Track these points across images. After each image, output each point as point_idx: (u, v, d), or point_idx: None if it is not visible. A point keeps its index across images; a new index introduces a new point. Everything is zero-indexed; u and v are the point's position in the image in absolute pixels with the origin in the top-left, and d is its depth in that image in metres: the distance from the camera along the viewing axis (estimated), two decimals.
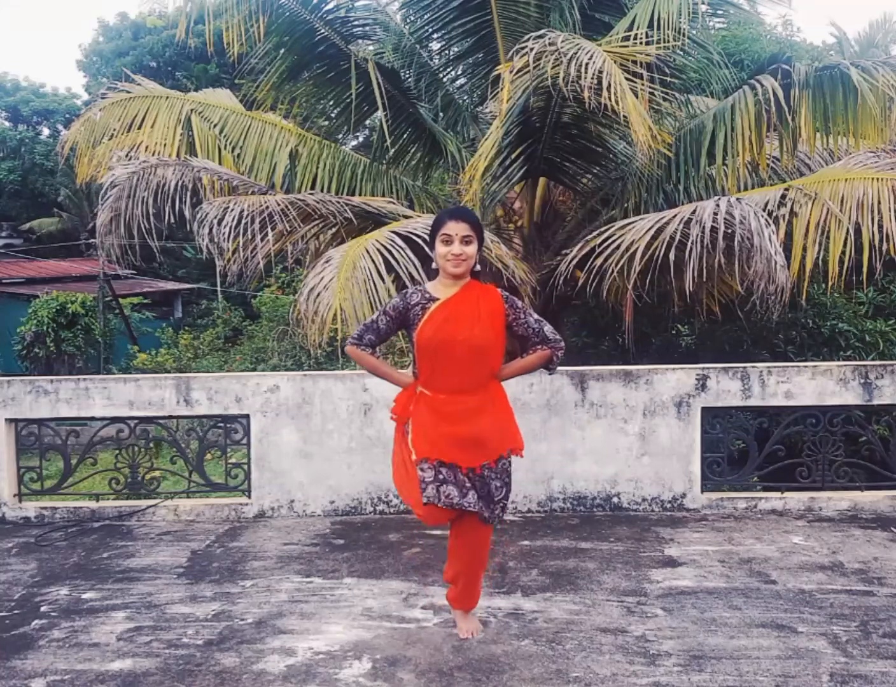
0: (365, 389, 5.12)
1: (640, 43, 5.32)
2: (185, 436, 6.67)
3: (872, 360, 7.14)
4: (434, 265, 3.18)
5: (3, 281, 19.40)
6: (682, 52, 6.20)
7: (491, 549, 4.40)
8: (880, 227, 5.27)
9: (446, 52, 7.39)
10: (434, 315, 3.07)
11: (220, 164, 6.83)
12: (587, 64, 4.88)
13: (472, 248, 3.07)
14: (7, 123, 28.63)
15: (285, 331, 13.09)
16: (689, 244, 5.11)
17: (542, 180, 6.85)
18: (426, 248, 5.17)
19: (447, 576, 3.38)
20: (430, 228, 3.21)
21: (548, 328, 3.21)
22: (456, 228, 3.04)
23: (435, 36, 7.28)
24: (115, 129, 6.85)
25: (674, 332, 7.93)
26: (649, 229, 5.29)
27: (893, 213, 5.24)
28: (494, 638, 3.34)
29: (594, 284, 5.59)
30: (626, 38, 5.44)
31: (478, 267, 3.17)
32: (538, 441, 5.10)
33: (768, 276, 5.11)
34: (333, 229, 6.40)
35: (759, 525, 4.82)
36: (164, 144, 6.68)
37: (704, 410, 5.11)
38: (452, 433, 3.09)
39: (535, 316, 3.22)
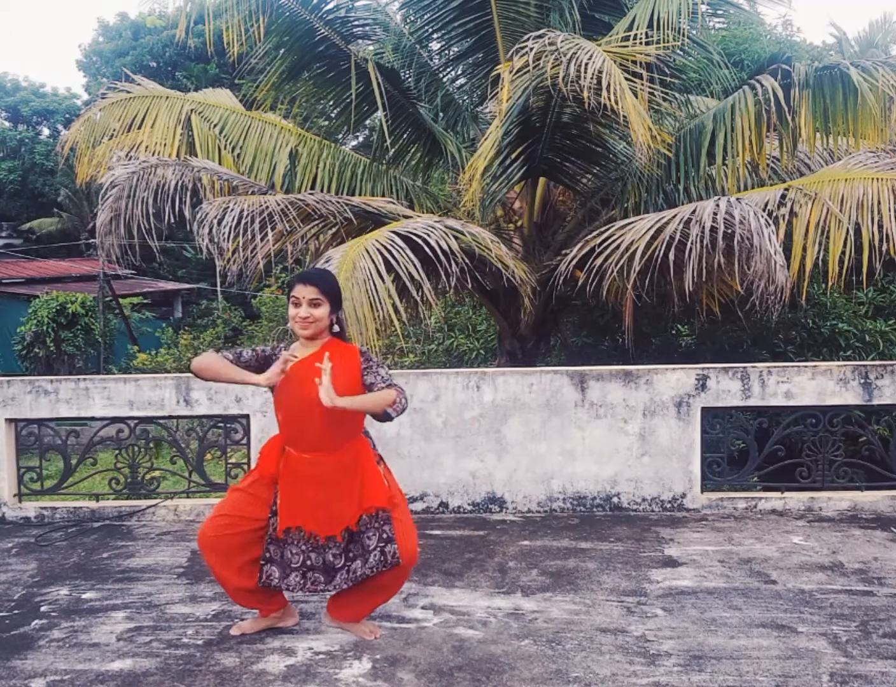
0: None
1: (640, 43, 5.32)
2: (185, 436, 6.67)
3: (872, 360, 7.14)
4: (288, 325, 3.22)
5: (3, 281, 19.40)
6: (681, 52, 6.20)
7: (491, 549, 4.44)
8: (880, 227, 5.27)
9: (446, 52, 7.39)
10: (290, 375, 3.04)
11: (220, 164, 6.83)
12: (587, 64, 4.89)
13: (320, 311, 3.07)
14: (7, 123, 28.64)
15: (285, 331, 13.10)
16: (688, 244, 5.11)
17: (542, 180, 6.85)
18: (426, 249, 5.22)
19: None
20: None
21: (396, 383, 3.13)
22: (303, 292, 3.06)
23: (435, 36, 7.28)
24: (115, 129, 6.84)
25: (674, 332, 7.93)
26: (649, 229, 5.29)
27: (893, 213, 5.24)
28: (494, 638, 3.34)
29: (594, 284, 5.59)
30: (626, 38, 5.44)
31: (336, 328, 3.18)
32: (538, 441, 5.10)
33: (768, 276, 5.11)
34: (333, 229, 6.41)
35: (759, 525, 4.82)
36: (164, 144, 6.68)
37: (704, 409, 5.11)
38: (314, 497, 3.11)
39: (387, 371, 3.17)
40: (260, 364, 3.17)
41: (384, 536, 3.15)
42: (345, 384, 2.98)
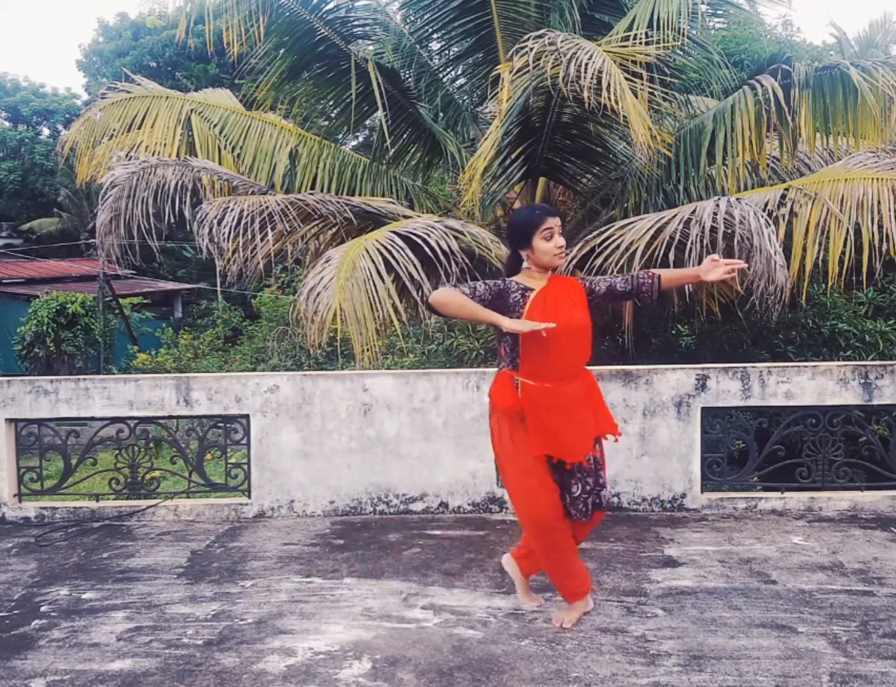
0: (365, 389, 5.12)
1: (640, 43, 5.31)
2: (185, 436, 6.67)
3: (872, 360, 7.14)
4: (525, 264, 3.30)
5: (3, 281, 19.41)
6: (681, 52, 6.19)
7: (491, 549, 4.44)
8: (880, 227, 5.26)
9: (446, 52, 7.39)
10: (536, 303, 3.19)
11: (220, 164, 6.82)
12: (587, 64, 4.88)
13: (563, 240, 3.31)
14: (7, 123, 28.66)
15: (285, 331, 13.12)
16: (688, 244, 5.11)
17: (542, 180, 6.85)
18: (426, 249, 5.21)
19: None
20: (516, 227, 3.29)
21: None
22: (554, 222, 3.22)
23: (435, 36, 7.27)
24: (115, 130, 6.84)
25: (674, 332, 7.93)
26: (649, 229, 5.29)
27: (893, 213, 5.24)
28: (494, 638, 3.34)
29: None
30: (626, 38, 5.43)
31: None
32: None
33: (768, 276, 5.11)
34: (333, 229, 6.40)
35: (759, 525, 4.82)
36: (164, 144, 6.68)
37: (704, 410, 5.11)
38: (556, 425, 3.22)
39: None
40: (493, 297, 3.23)
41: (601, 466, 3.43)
42: (585, 312, 3.22)
